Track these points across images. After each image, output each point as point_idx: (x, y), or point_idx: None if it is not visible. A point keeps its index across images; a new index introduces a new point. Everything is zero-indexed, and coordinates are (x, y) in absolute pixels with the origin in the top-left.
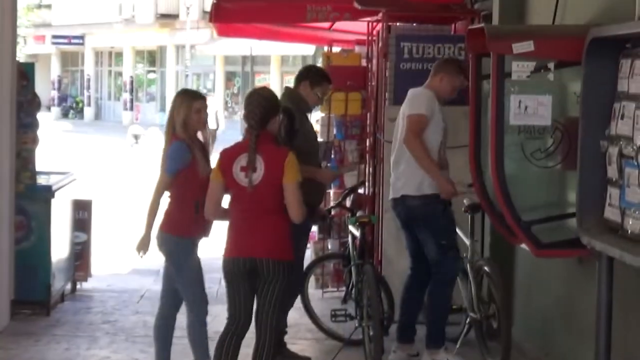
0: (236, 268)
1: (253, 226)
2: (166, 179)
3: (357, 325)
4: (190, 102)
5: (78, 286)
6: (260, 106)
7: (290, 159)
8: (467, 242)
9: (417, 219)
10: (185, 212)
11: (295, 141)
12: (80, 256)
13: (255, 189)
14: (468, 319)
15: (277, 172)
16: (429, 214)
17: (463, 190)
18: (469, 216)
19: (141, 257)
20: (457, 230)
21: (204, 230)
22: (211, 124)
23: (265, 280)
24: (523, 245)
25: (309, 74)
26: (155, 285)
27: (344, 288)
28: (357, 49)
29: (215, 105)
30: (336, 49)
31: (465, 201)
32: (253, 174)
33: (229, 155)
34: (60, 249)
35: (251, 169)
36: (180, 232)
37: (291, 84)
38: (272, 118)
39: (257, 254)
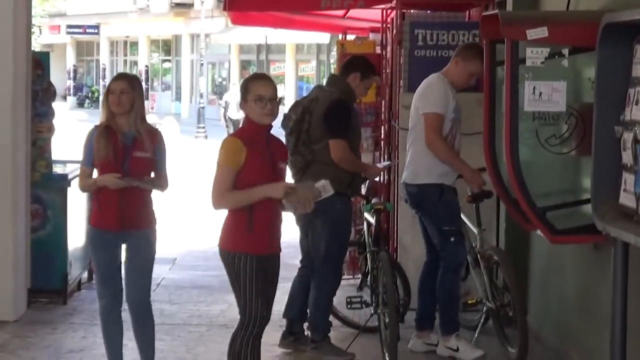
0: None
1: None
2: (82, 169)
3: (372, 312)
4: (110, 83)
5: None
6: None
7: (222, 143)
8: (476, 231)
9: (416, 206)
10: (93, 200)
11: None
12: None
13: None
14: (485, 308)
15: None
16: (424, 202)
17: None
18: (474, 205)
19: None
20: (465, 219)
21: (116, 223)
22: (233, 114)
23: None
24: (538, 232)
25: (360, 66)
26: (171, 274)
27: (359, 275)
28: (371, 36)
29: (238, 95)
30: (350, 37)
31: (467, 190)
32: None
33: None
34: (76, 237)
35: None
36: (91, 221)
37: (306, 72)
38: (244, 102)
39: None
